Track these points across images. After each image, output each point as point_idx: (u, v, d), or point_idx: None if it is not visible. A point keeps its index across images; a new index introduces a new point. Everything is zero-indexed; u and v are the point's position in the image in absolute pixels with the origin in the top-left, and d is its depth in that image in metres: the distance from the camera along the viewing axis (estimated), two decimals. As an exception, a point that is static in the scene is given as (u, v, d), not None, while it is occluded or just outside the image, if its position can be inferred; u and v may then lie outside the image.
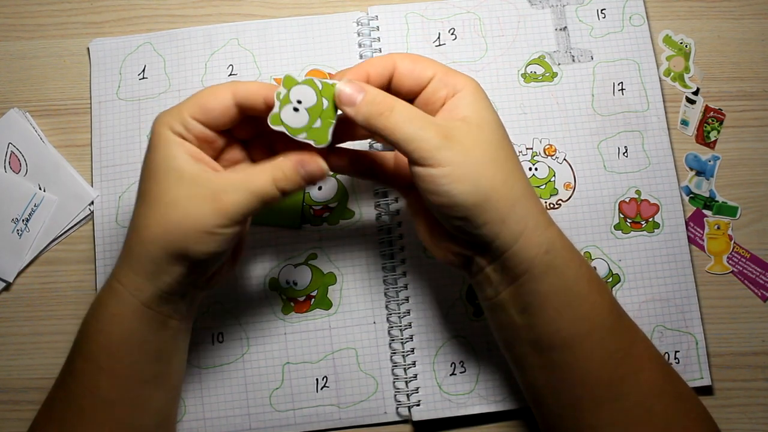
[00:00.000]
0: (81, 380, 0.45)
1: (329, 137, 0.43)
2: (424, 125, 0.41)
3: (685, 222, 0.58)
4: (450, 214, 0.42)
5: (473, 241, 0.44)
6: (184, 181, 0.42)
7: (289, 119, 0.43)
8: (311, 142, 0.43)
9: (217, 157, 0.46)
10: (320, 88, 0.43)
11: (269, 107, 0.43)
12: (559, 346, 0.44)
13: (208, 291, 0.48)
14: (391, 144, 0.42)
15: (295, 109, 0.43)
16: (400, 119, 0.41)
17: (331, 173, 0.58)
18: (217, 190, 0.42)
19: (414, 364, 0.55)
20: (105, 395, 0.45)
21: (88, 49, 0.60)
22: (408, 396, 0.55)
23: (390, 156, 0.49)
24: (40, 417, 0.47)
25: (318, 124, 0.43)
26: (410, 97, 0.45)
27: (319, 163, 0.43)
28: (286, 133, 0.43)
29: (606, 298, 0.46)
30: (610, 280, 0.56)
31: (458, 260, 0.46)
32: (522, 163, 0.58)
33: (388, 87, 0.45)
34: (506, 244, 0.43)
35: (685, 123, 0.60)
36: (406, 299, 0.56)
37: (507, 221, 0.42)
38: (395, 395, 0.55)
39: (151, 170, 0.43)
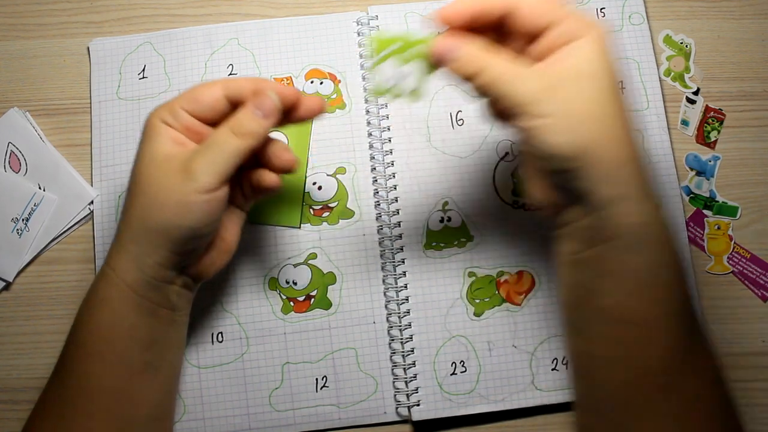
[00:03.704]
0: (72, 367, 0.46)
1: (422, 95, 0.44)
2: (517, 80, 0.41)
3: (686, 222, 0.58)
4: (545, 167, 0.42)
5: (569, 192, 0.42)
6: (160, 161, 0.44)
7: (385, 84, 0.44)
8: (407, 101, 0.44)
9: None
10: (413, 52, 0.43)
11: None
12: (628, 321, 0.42)
13: (200, 282, 0.49)
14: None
15: (393, 76, 0.44)
16: (492, 78, 0.41)
17: (331, 173, 0.58)
18: (186, 160, 0.43)
19: (414, 364, 0.55)
20: (95, 383, 0.45)
21: (88, 48, 0.60)
22: (408, 396, 0.55)
23: None
24: (36, 408, 0.47)
25: (412, 83, 0.44)
26: (526, 39, 0.43)
27: (272, 99, 0.44)
28: (385, 98, 0.45)
29: (685, 292, 0.43)
30: (610, 279, 0.56)
31: (551, 206, 0.44)
32: (522, 162, 0.58)
33: (500, 27, 0.43)
34: (600, 204, 0.41)
35: (685, 123, 0.60)
36: (406, 299, 0.56)
37: (606, 182, 0.40)
38: (395, 395, 0.55)
39: (136, 157, 0.45)
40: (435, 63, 0.43)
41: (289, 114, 0.46)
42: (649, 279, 0.42)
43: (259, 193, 0.49)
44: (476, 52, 0.42)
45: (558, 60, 0.41)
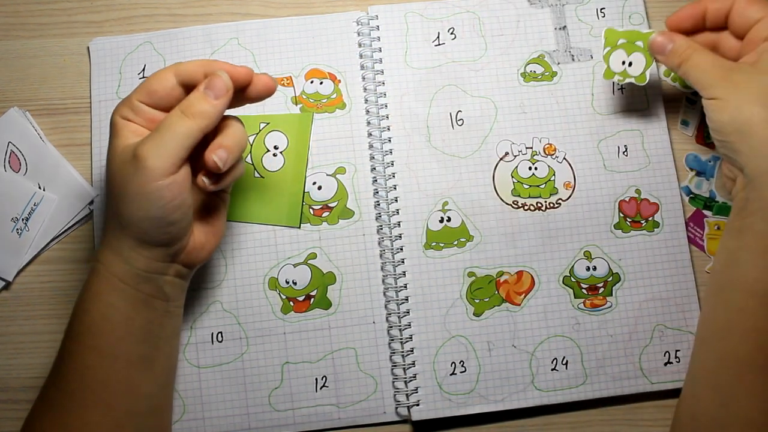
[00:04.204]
0: (70, 362, 0.46)
1: (646, 79, 0.55)
2: (707, 70, 0.50)
3: (685, 222, 0.58)
4: (715, 136, 0.50)
5: (735, 163, 0.49)
6: (120, 154, 0.44)
7: (617, 68, 0.56)
8: (634, 82, 0.55)
9: None
10: (641, 45, 0.54)
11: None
12: (755, 294, 0.47)
13: (193, 269, 0.49)
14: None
15: (621, 62, 0.55)
16: (692, 67, 0.51)
17: (331, 173, 0.58)
18: (137, 148, 0.43)
19: (414, 363, 0.55)
20: (93, 376, 0.45)
21: (88, 48, 0.60)
22: (407, 396, 0.55)
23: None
24: (37, 402, 0.48)
25: (636, 70, 0.55)
26: (738, 35, 0.53)
27: (223, 79, 0.45)
28: (622, 80, 0.55)
29: None
30: (611, 279, 0.56)
31: (729, 177, 0.52)
32: (522, 162, 0.58)
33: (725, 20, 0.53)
34: (751, 176, 0.47)
35: (685, 123, 0.60)
36: (406, 299, 0.56)
37: (757, 156, 0.47)
38: (395, 395, 0.55)
39: (107, 156, 0.46)
40: (652, 54, 0.54)
41: (242, 93, 0.46)
42: None
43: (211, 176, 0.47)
44: (681, 48, 0.52)
45: (757, 53, 0.50)
